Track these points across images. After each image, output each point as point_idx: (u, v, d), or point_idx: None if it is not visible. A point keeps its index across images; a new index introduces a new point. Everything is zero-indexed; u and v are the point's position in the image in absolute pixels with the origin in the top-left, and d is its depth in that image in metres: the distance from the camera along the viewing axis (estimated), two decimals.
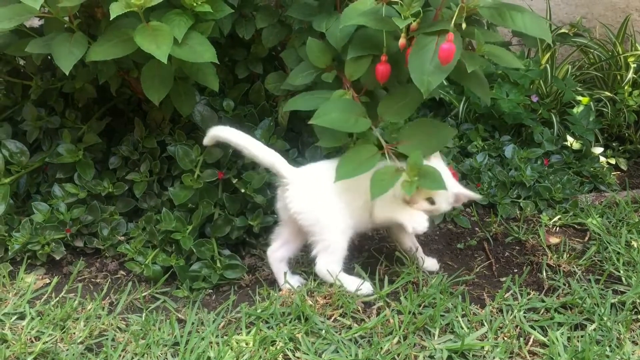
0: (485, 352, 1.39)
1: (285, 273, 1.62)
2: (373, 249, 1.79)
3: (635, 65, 2.52)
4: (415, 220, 1.53)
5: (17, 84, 1.95)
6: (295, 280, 1.62)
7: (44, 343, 1.41)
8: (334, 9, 1.69)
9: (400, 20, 1.36)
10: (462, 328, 1.46)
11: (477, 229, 1.94)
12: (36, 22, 1.86)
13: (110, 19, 1.40)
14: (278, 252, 1.64)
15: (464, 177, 2.10)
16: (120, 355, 1.39)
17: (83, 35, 1.54)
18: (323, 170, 1.57)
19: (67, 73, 1.49)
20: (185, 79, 1.70)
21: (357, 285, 1.56)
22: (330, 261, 1.56)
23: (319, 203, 1.55)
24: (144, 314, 1.53)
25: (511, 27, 1.36)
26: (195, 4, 1.52)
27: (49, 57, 1.85)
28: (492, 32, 1.68)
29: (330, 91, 1.53)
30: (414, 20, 1.38)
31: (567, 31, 2.60)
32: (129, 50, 1.49)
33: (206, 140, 1.66)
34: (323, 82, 1.60)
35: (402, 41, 1.41)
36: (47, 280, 1.67)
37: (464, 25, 1.33)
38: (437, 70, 1.35)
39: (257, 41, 1.88)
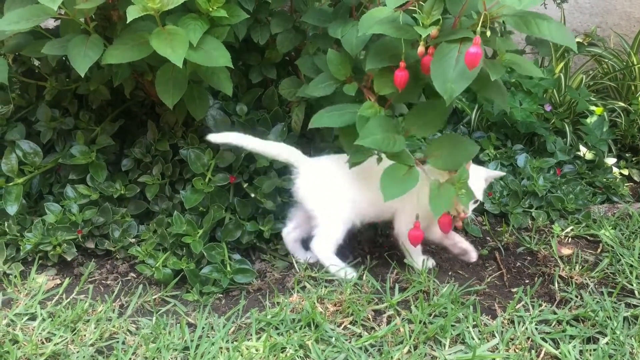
0: None
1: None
2: (386, 255, 1.79)
3: None
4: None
5: (31, 85, 1.96)
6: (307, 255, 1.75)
7: (54, 344, 1.41)
8: (350, 15, 1.69)
9: (421, 29, 1.36)
10: (473, 339, 1.45)
11: (488, 238, 1.93)
12: (51, 23, 1.87)
13: (127, 22, 1.41)
14: (293, 233, 1.75)
15: None
16: (130, 359, 1.39)
17: (99, 38, 1.54)
18: (331, 162, 1.70)
19: (82, 75, 1.49)
20: (199, 83, 1.71)
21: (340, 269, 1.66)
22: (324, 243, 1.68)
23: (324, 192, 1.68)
24: (154, 318, 1.53)
25: (537, 34, 1.34)
26: (211, 9, 1.52)
27: (64, 59, 1.86)
28: (506, 40, 1.68)
29: (355, 104, 1.54)
30: (434, 28, 1.37)
31: (581, 40, 2.59)
32: (144, 53, 1.49)
33: (214, 138, 1.69)
34: (341, 91, 1.60)
35: (420, 49, 1.41)
36: (58, 281, 1.68)
37: (488, 33, 1.32)
38: (459, 78, 1.34)
39: (271, 46, 1.88)
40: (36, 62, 1.98)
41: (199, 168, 1.77)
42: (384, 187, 1.47)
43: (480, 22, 1.31)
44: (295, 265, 1.73)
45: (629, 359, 1.41)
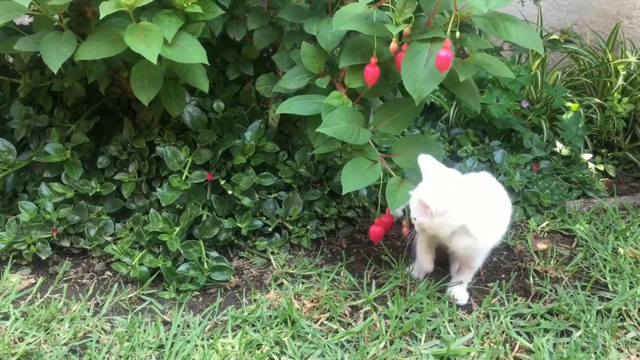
0: (471, 357, 1.40)
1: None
2: (363, 251, 1.79)
3: (624, 72, 2.53)
4: None
5: (5, 82, 1.93)
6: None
7: (27, 344, 1.40)
8: (326, 12, 1.69)
9: (393, 27, 1.36)
10: (449, 333, 1.46)
11: None
12: (26, 20, 1.85)
13: (100, 18, 1.39)
14: None
15: None
16: (104, 358, 1.38)
17: (72, 34, 1.53)
18: None
19: (55, 71, 1.48)
20: (175, 80, 1.69)
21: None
22: None
23: None
24: (129, 316, 1.52)
25: (505, 38, 1.36)
26: (185, 5, 1.51)
27: (38, 55, 1.83)
28: (483, 38, 1.69)
29: (324, 96, 1.53)
30: (406, 26, 1.38)
31: (557, 37, 2.61)
32: (118, 49, 1.47)
33: None
34: (315, 85, 1.60)
35: (393, 45, 1.41)
36: (33, 281, 1.66)
37: (457, 34, 1.33)
38: (429, 78, 1.34)
39: (248, 43, 1.87)
40: (10, 59, 1.95)
41: (175, 165, 1.76)
42: (345, 178, 1.47)
43: (450, 23, 1.32)
44: (273, 262, 1.73)
45: (601, 351, 1.43)
